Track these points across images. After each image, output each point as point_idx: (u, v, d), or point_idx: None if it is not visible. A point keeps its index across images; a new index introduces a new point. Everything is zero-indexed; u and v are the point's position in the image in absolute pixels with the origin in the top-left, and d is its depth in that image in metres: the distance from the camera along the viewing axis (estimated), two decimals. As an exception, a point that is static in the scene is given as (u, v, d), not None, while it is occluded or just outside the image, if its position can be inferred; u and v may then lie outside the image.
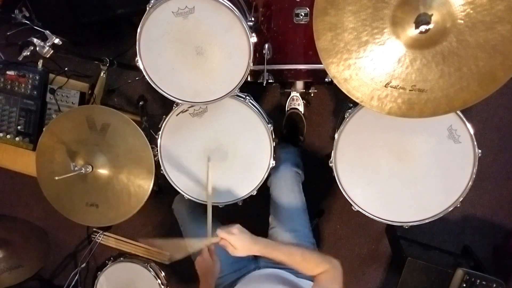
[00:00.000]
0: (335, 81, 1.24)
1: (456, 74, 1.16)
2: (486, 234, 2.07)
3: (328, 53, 1.21)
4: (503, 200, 2.05)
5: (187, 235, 1.60)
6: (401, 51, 1.16)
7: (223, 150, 1.56)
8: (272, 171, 1.60)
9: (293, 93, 1.92)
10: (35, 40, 1.49)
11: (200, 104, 1.49)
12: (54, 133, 1.54)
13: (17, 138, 1.80)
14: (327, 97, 2.09)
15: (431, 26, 1.08)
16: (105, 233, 2.30)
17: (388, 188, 1.46)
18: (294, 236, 1.52)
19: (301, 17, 1.44)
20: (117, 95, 2.24)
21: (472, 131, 1.37)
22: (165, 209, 2.05)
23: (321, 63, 1.23)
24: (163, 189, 1.98)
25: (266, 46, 1.49)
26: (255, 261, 1.53)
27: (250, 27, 1.37)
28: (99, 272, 2.12)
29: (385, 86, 1.21)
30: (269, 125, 1.52)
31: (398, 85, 1.20)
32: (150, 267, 2.09)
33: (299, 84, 1.77)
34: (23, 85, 1.76)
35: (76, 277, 2.30)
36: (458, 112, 1.36)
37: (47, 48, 1.49)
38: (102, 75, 1.88)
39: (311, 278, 1.18)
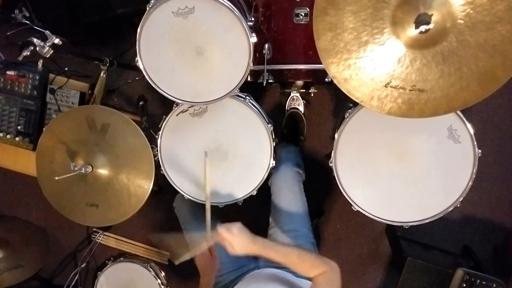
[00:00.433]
0: (335, 81, 1.24)
1: (456, 74, 1.15)
2: (486, 234, 2.07)
3: (328, 53, 1.21)
4: (503, 200, 2.05)
5: (188, 234, 1.60)
6: (401, 51, 1.16)
7: (223, 150, 1.56)
8: (273, 171, 1.60)
9: (293, 93, 1.92)
10: (35, 40, 1.49)
11: (200, 104, 1.49)
12: (54, 133, 1.54)
13: (17, 138, 1.80)
14: (327, 97, 2.09)
15: (431, 26, 1.08)
16: (105, 233, 2.31)
17: (388, 188, 1.46)
18: (294, 236, 1.52)
19: (301, 17, 1.44)
20: (117, 95, 2.24)
21: (472, 131, 1.37)
22: (165, 209, 2.05)
23: (321, 63, 1.23)
24: (163, 189, 1.98)
25: (266, 46, 1.49)
26: (254, 261, 1.54)
27: (250, 27, 1.37)
28: (99, 272, 2.13)
29: (385, 86, 1.21)
30: (269, 125, 1.52)
31: (398, 85, 1.20)
32: (150, 267, 2.09)
33: (299, 84, 1.77)
34: (23, 85, 1.76)
35: (76, 277, 2.30)
36: (458, 112, 1.36)
37: (47, 48, 1.49)
38: (102, 75, 1.88)
39: (310, 279, 1.18)
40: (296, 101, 1.95)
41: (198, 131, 1.55)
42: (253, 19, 1.48)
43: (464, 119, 1.37)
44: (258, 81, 1.55)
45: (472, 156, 1.39)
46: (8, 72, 1.74)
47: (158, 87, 1.42)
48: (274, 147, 1.52)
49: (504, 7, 1.04)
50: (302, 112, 1.95)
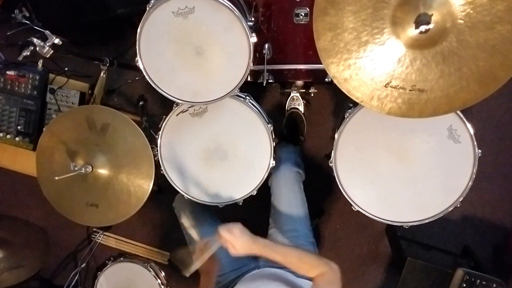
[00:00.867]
0: (335, 81, 1.24)
1: (456, 74, 1.15)
2: (486, 234, 2.07)
3: (328, 53, 1.21)
4: (503, 200, 2.05)
5: (189, 240, 1.60)
6: (401, 51, 1.16)
7: (223, 150, 1.56)
8: (273, 171, 1.60)
9: (293, 93, 1.92)
10: (35, 40, 1.48)
11: (200, 104, 1.49)
12: (54, 133, 1.54)
13: (17, 138, 1.80)
14: (327, 97, 2.09)
15: (431, 26, 1.08)
16: (105, 233, 2.31)
17: (388, 188, 1.46)
18: (294, 236, 1.52)
19: (301, 17, 1.44)
20: (117, 95, 2.24)
21: (472, 131, 1.37)
22: (165, 209, 2.05)
23: (321, 63, 1.23)
24: (163, 189, 1.98)
25: (266, 46, 1.49)
26: (254, 261, 1.54)
27: (250, 27, 1.37)
28: (99, 272, 2.13)
29: (385, 86, 1.21)
30: (269, 125, 1.52)
31: (398, 85, 1.20)
32: (150, 267, 2.09)
33: (299, 84, 1.77)
34: (23, 85, 1.76)
35: (76, 277, 2.30)
36: (458, 112, 1.36)
37: (47, 48, 1.49)
38: (102, 75, 1.88)
39: (311, 279, 1.18)
40: (296, 101, 1.95)
41: (198, 131, 1.55)
42: (253, 19, 1.48)
43: (464, 119, 1.37)
44: (258, 81, 1.55)
45: (472, 156, 1.39)
46: (8, 72, 1.74)
47: (158, 87, 1.42)
48: (274, 147, 1.52)
49: (504, 7, 1.04)
50: (302, 112, 1.95)
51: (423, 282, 1.77)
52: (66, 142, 1.53)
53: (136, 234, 2.32)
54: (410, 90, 1.20)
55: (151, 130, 1.70)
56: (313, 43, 1.21)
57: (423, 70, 1.17)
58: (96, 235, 2.31)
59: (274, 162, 1.53)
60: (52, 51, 1.50)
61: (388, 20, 1.13)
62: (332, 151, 1.46)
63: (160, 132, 1.54)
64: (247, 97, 1.56)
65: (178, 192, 1.59)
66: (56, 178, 1.44)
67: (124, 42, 2.14)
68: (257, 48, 1.51)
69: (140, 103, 1.74)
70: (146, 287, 2.10)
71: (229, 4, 1.30)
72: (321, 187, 2.06)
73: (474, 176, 1.39)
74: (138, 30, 1.34)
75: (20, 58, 1.56)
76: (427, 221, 1.44)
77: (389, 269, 2.18)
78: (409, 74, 1.18)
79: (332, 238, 2.18)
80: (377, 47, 1.17)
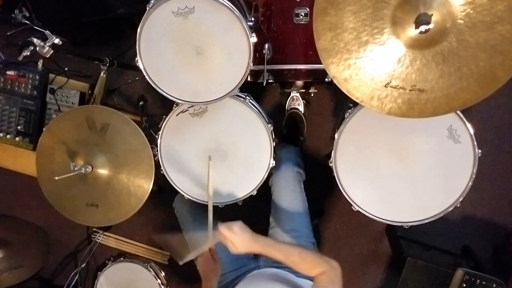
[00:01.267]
0: (335, 81, 1.24)
1: (456, 74, 1.15)
2: (486, 234, 2.07)
3: (328, 53, 1.21)
4: (503, 200, 2.05)
5: (188, 234, 1.60)
6: (401, 51, 1.16)
7: (223, 150, 1.56)
8: (274, 171, 1.60)
9: (293, 93, 1.92)
10: (35, 40, 1.48)
11: (200, 104, 1.49)
12: (54, 133, 1.54)
13: (17, 138, 1.80)
14: (327, 97, 2.09)
15: (431, 26, 1.08)
16: (105, 233, 2.31)
17: (388, 188, 1.46)
18: (295, 236, 1.52)
19: (301, 17, 1.44)
20: (117, 95, 2.24)
21: (472, 131, 1.37)
22: (165, 209, 2.05)
23: (321, 63, 1.23)
24: (163, 189, 1.98)
25: (266, 46, 1.49)
26: (255, 260, 1.54)
27: (250, 27, 1.37)
28: (99, 272, 2.13)
29: (385, 86, 1.21)
30: (269, 125, 1.52)
31: (398, 85, 1.20)
32: (150, 267, 2.09)
33: (299, 84, 1.77)
34: (23, 85, 1.76)
35: (76, 277, 2.30)
36: (458, 112, 1.36)
37: (47, 48, 1.49)
38: (102, 75, 1.88)
39: (312, 278, 1.18)
40: (296, 101, 1.96)
41: (198, 131, 1.55)
42: (253, 19, 1.48)
43: (464, 119, 1.36)
44: (258, 81, 1.55)
45: (472, 156, 1.39)
46: (8, 72, 1.74)
47: (158, 87, 1.42)
48: (274, 147, 1.52)
49: (504, 7, 1.04)
50: (302, 112, 1.96)
51: (423, 282, 1.77)
52: (66, 142, 1.53)
53: (136, 234, 2.32)
54: (410, 90, 1.20)
55: (151, 130, 1.70)
56: (313, 43, 1.21)
57: (423, 70, 1.17)
58: (96, 235, 2.31)
59: (274, 162, 1.53)
60: (52, 51, 1.50)
61: (388, 20, 1.13)
62: (332, 151, 1.46)
63: (160, 132, 1.54)
64: (247, 97, 1.56)
65: (178, 192, 1.59)
66: (56, 178, 1.44)
67: (124, 42, 2.14)
68: (257, 48, 1.51)
69: (140, 103, 1.73)
70: (146, 287, 2.10)
71: (229, 4, 1.30)
72: (321, 187, 2.06)
73: (474, 176, 1.39)
74: (138, 30, 1.34)
75: (20, 58, 1.56)
76: (427, 221, 1.44)
77: (389, 269, 2.18)
78: (409, 74, 1.18)
79: (332, 238, 2.18)
80: (377, 47, 1.17)
